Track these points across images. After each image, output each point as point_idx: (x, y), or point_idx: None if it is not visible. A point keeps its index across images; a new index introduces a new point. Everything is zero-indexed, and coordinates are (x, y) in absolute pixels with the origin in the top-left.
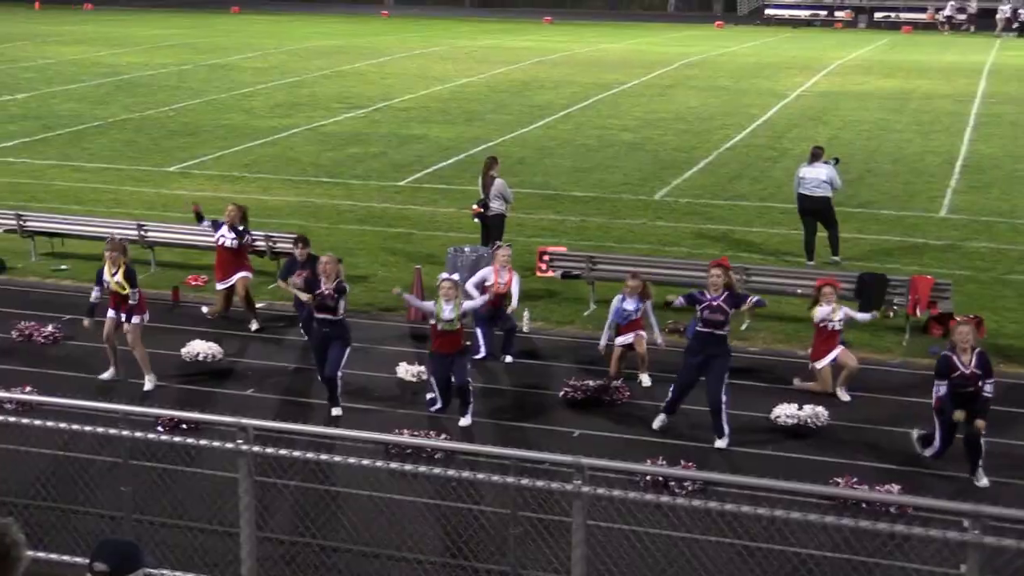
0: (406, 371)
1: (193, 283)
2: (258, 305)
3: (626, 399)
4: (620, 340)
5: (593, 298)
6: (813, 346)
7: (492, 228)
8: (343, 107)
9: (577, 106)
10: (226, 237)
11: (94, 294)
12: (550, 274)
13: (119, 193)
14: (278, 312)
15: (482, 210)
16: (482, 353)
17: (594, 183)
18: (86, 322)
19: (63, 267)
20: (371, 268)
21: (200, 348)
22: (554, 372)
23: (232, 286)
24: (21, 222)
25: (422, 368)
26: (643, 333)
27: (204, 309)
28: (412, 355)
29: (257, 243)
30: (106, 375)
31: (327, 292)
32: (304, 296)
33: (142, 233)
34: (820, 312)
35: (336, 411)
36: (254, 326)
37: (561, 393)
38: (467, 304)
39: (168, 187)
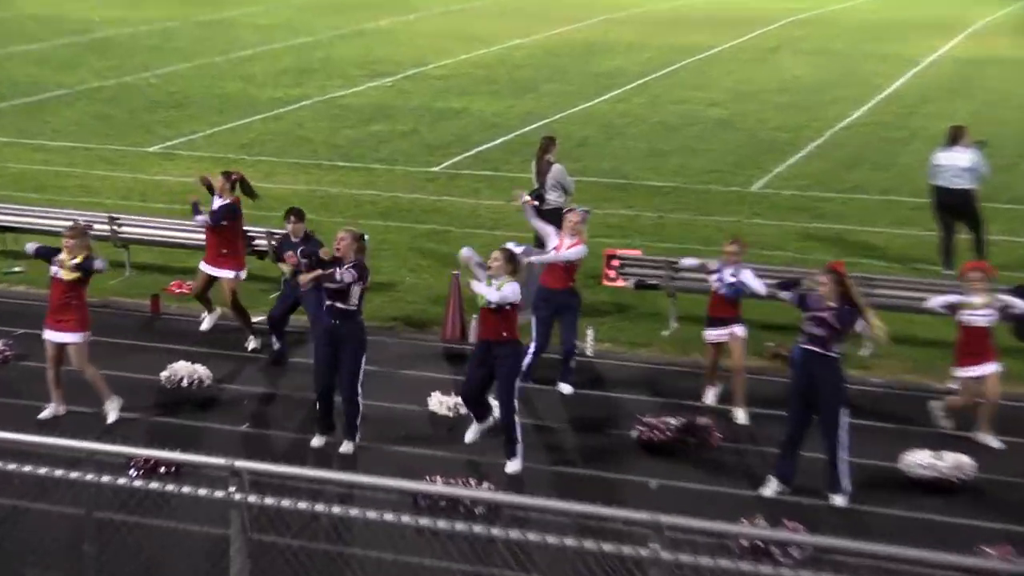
0: (440, 403)
1: (177, 291)
2: (256, 319)
3: (715, 441)
4: (711, 335)
5: (674, 314)
6: (957, 348)
7: (549, 222)
8: (364, 74)
9: (654, 74)
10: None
11: (30, 246)
12: (620, 284)
13: (88, 178)
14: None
15: (536, 203)
16: (530, 356)
17: (674, 170)
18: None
19: (16, 269)
20: (397, 274)
21: (183, 371)
22: (625, 406)
23: (213, 280)
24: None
25: (459, 400)
26: (741, 332)
27: (203, 327)
28: (447, 383)
29: (256, 242)
30: (46, 413)
31: (342, 270)
32: (305, 277)
33: (115, 228)
34: (950, 299)
35: (347, 447)
36: (251, 344)
37: (634, 433)
38: (511, 283)
39: (148, 171)
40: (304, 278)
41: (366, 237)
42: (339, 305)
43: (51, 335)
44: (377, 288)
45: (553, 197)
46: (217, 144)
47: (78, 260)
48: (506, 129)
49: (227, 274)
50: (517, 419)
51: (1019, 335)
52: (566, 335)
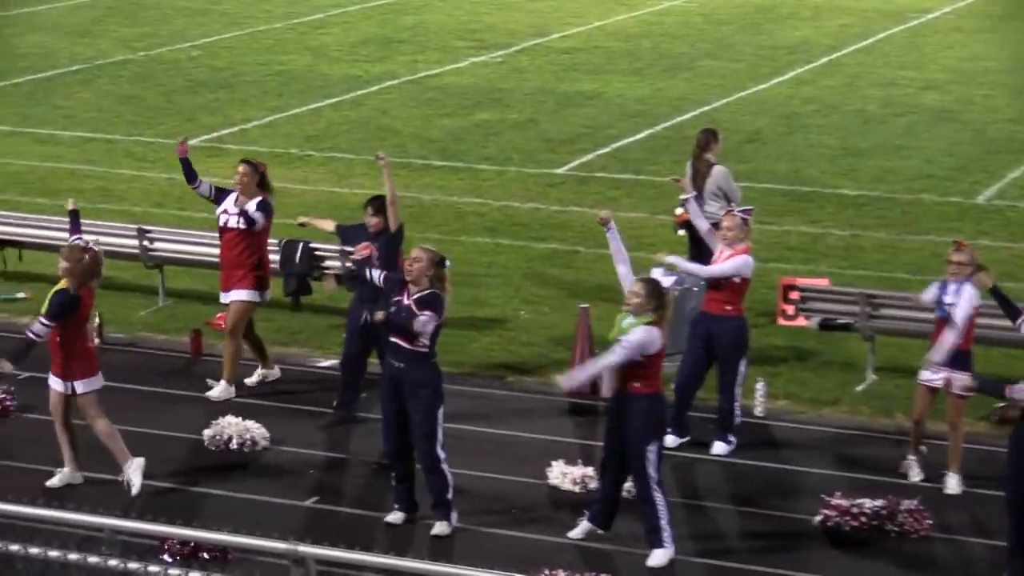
0: (563, 475)
1: (224, 325)
2: (326, 362)
3: (925, 530)
4: (924, 377)
5: (872, 364)
6: None
7: (705, 245)
8: (468, 47)
9: (849, 48)
10: (229, 214)
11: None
12: (802, 322)
13: (110, 179)
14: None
15: (689, 217)
16: (671, 438)
17: (875, 175)
18: (5, 365)
19: (20, 295)
20: (508, 307)
21: (232, 429)
22: (805, 482)
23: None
24: None
25: (589, 472)
26: (965, 379)
27: (251, 380)
28: (573, 449)
29: (326, 262)
30: (55, 480)
31: (405, 303)
32: (380, 316)
33: (145, 243)
34: None
35: (441, 528)
36: (254, 378)
37: (817, 518)
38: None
39: None
40: (379, 316)
41: (447, 263)
42: (405, 345)
43: (53, 381)
44: (483, 325)
45: (714, 208)
46: (276, 136)
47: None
48: (652, 119)
49: (235, 296)
50: (658, 496)
51: None
52: (725, 380)
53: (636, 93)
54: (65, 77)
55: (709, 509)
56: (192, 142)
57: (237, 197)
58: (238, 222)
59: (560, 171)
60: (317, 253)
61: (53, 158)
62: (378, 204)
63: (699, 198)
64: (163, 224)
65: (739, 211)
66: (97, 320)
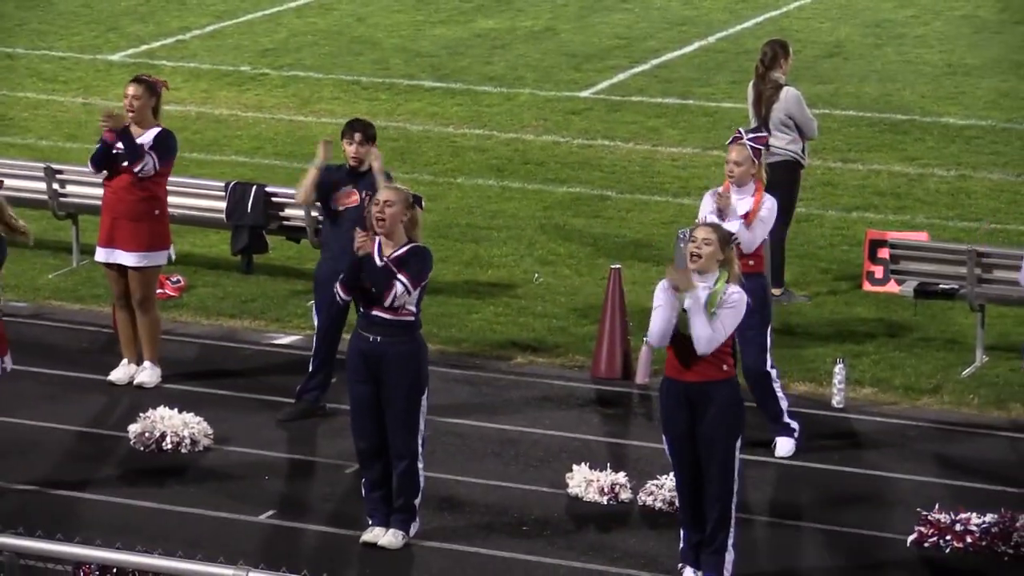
0: (586, 483)
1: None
2: (284, 339)
3: None
4: None
5: (982, 341)
6: None
7: (772, 186)
8: None
9: None
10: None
11: None
12: (893, 288)
13: (10, 104)
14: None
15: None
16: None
17: (989, 99)
18: None
19: None
20: (518, 268)
21: (166, 425)
22: (896, 491)
23: (121, 273)
24: None
25: (620, 479)
26: None
27: (114, 376)
28: (601, 449)
29: (285, 211)
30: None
31: (380, 264)
32: (359, 241)
33: (55, 187)
34: None
35: (391, 538)
36: (145, 376)
37: (912, 537)
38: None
39: (108, 94)
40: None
41: (423, 203)
42: (383, 317)
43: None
44: (486, 292)
45: (783, 143)
46: (223, 49)
47: None
48: (704, 27)
49: (152, 259)
50: (734, 509)
51: None
52: (751, 354)
53: None
54: None
55: (775, 525)
56: (115, 56)
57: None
58: (126, 161)
59: (585, 94)
60: (274, 200)
61: None
62: (364, 127)
63: (764, 128)
64: (78, 163)
65: (749, 137)
66: None
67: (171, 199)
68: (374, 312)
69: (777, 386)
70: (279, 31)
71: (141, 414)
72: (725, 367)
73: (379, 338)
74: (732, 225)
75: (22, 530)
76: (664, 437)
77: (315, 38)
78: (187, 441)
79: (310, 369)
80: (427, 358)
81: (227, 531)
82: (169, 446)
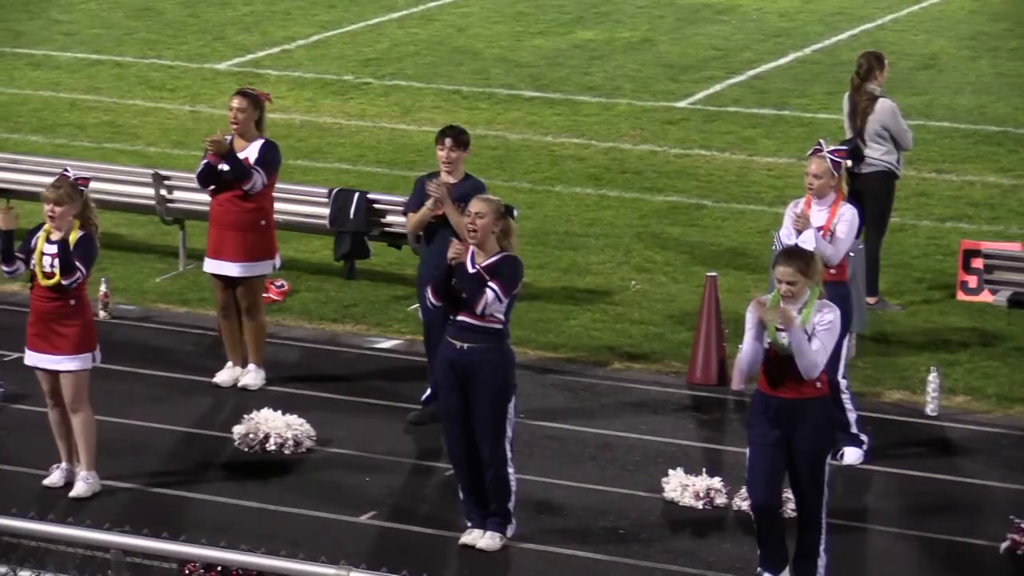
0: (682, 487)
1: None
2: (385, 343)
3: None
4: None
5: None
6: None
7: (867, 198)
8: None
9: None
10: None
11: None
12: (987, 297)
13: (120, 112)
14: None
15: (848, 161)
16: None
17: None
18: None
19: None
20: (615, 276)
21: (269, 426)
22: (990, 499)
23: (227, 283)
24: None
25: (715, 484)
26: None
27: (221, 377)
28: (696, 454)
29: (387, 217)
30: (53, 478)
31: (472, 271)
32: (454, 250)
33: (163, 193)
34: None
35: (489, 540)
36: (250, 378)
37: (1006, 544)
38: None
39: (216, 102)
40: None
41: (515, 213)
42: (470, 322)
43: (35, 359)
44: (583, 298)
45: (878, 154)
46: (326, 59)
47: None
48: (800, 39)
49: (257, 269)
50: (824, 518)
51: None
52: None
53: (779, 6)
54: None
55: (868, 532)
56: (222, 65)
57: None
58: (231, 175)
59: (682, 104)
60: (377, 206)
61: (50, 85)
62: (457, 133)
63: (855, 152)
64: (185, 169)
65: (830, 150)
66: (103, 287)
67: (276, 205)
68: (462, 318)
69: (847, 397)
70: (381, 41)
71: (245, 416)
72: (819, 384)
73: (467, 346)
74: (808, 241)
75: (129, 528)
76: (749, 448)
77: (417, 48)
78: (290, 442)
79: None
80: (514, 367)
81: (329, 531)
82: (273, 447)
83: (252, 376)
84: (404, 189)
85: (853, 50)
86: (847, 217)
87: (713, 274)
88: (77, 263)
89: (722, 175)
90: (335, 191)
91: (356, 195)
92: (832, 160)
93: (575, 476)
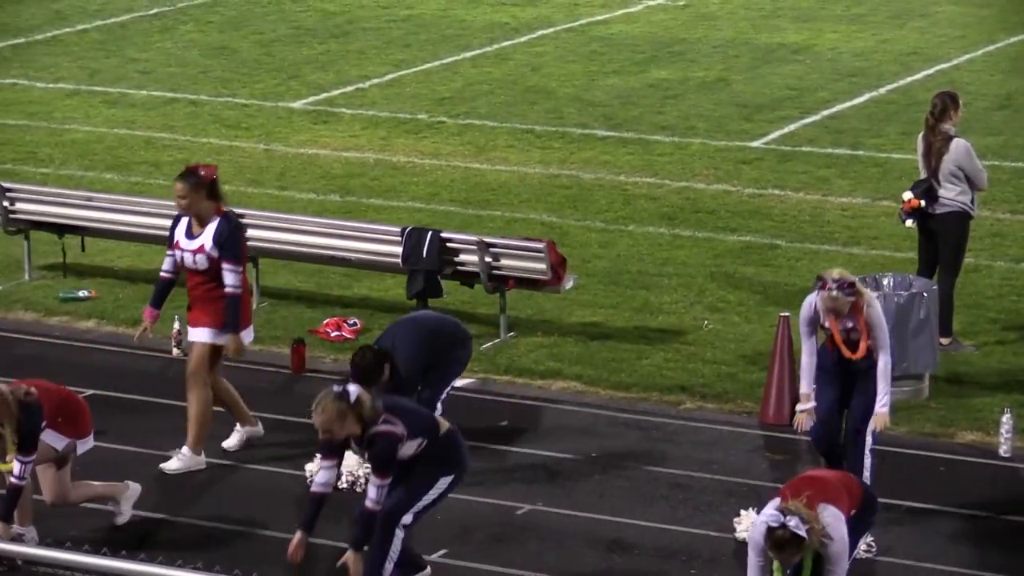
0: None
1: (333, 334)
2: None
3: None
4: None
5: None
6: None
7: (941, 238)
8: None
9: None
10: (184, 251)
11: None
12: None
13: (194, 150)
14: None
15: (920, 203)
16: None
17: None
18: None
19: (83, 293)
20: (688, 315)
21: (343, 464)
22: None
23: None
24: (5, 203)
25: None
26: None
27: (230, 442)
28: (768, 494)
29: (460, 256)
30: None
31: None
32: None
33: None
34: None
35: None
36: (233, 440)
37: None
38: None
39: (290, 140)
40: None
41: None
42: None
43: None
44: (656, 338)
45: (952, 195)
46: (401, 97)
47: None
48: (875, 79)
49: (201, 334)
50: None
51: None
52: (855, 405)
53: (854, 46)
54: (142, 23)
55: (941, 573)
56: (296, 104)
57: (189, 224)
58: (196, 262)
59: (756, 144)
60: (450, 245)
61: (125, 123)
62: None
63: (929, 192)
64: (258, 207)
65: (836, 285)
66: (176, 326)
67: (350, 243)
68: None
69: (867, 449)
70: (455, 80)
71: (317, 454)
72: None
73: None
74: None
75: (200, 565)
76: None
77: (490, 87)
78: (361, 480)
79: None
80: (459, 457)
81: None
82: (344, 485)
83: (181, 460)
84: (477, 227)
85: (928, 90)
86: (879, 317)
87: (786, 314)
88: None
89: (796, 215)
90: (408, 229)
91: (429, 234)
92: (847, 291)
93: (647, 516)
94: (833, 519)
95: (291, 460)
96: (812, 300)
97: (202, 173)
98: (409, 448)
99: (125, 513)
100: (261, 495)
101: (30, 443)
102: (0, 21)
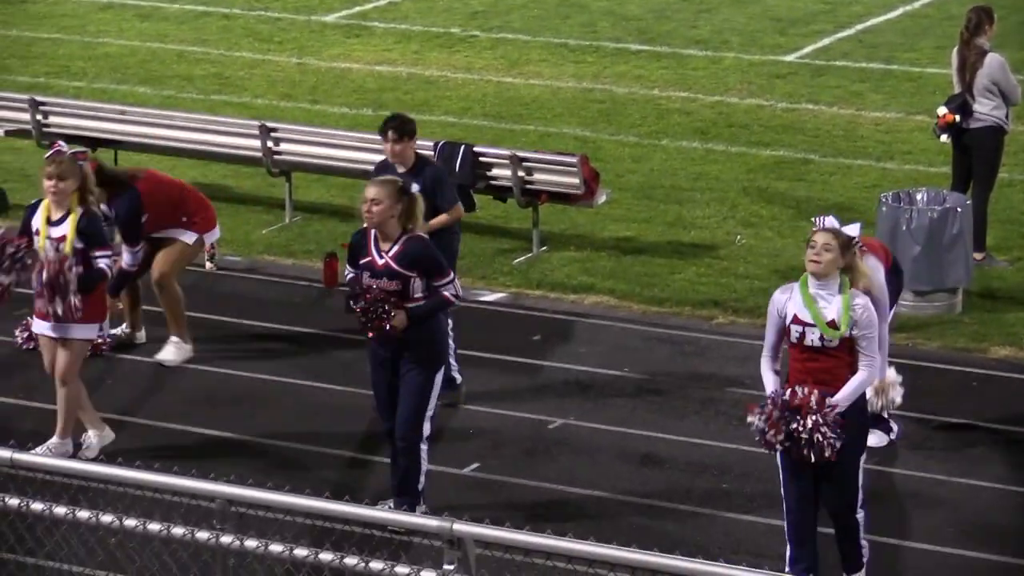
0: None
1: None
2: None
3: None
4: None
5: None
6: None
7: (975, 153)
8: None
9: None
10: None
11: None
12: None
13: (227, 64)
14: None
15: (955, 118)
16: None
17: None
18: None
19: None
20: (721, 230)
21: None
22: None
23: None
24: (39, 116)
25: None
26: None
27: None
28: None
29: (493, 171)
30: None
31: (386, 262)
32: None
33: (269, 144)
34: None
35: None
36: (168, 353)
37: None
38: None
39: (322, 55)
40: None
41: (414, 188)
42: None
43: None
44: (688, 252)
45: (986, 109)
46: (433, 11)
47: (68, 230)
48: None
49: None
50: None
51: None
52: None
53: None
54: None
55: (976, 488)
56: (329, 18)
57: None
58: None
59: (790, 58)
60: (483, 159)
61: (157, 37)
62: (399, 124)
63: (963, 107)
64: (291, 121)
65: (848, 228)
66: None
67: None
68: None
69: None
70: None
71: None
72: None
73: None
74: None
75: (233, 478)
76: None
77: (524, 1)
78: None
79: None
80: (445, 339)
81: (432, 483)
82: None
83: (172, 351)
84: (510, 142)
85: (962, 4)
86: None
87: None
88: (98, 255)
89: (830, 130)
90: (441, 143)
91: (462, 148)
92: (848, 236)
93: (679, 430)
94: (874, 264)
95: (324, 375)
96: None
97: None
98: (417, 288)
99: (93, 449)
100: (293, 409)
101: (132, 231)
102: None
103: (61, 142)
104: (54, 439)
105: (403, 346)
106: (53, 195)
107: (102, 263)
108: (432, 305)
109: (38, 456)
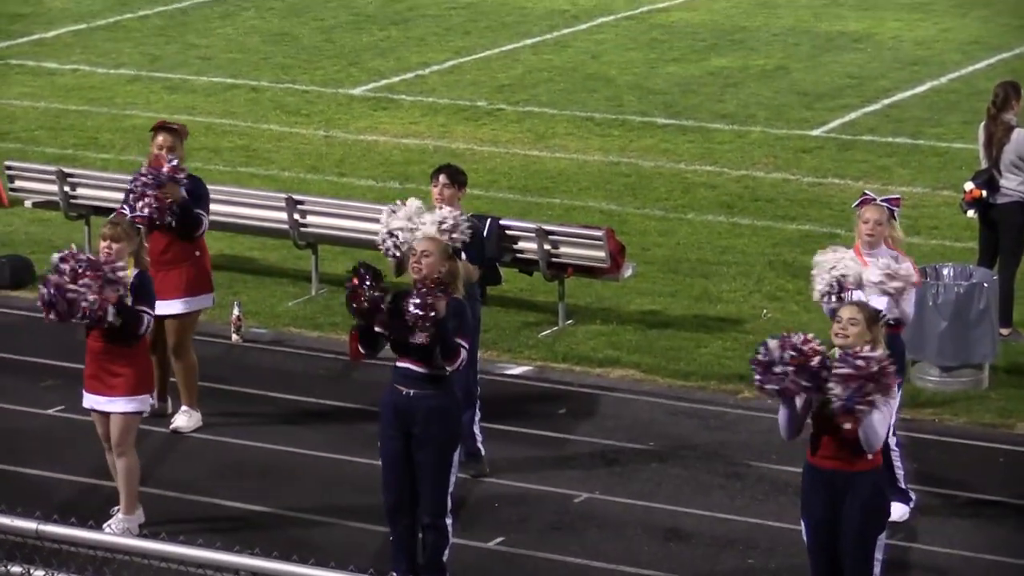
0: None
1: None
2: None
3: None
4: None
5: None
6: None
7: (1002, 228)
8: None
9: None
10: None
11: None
12: None
13: (255, 136)
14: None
15: (982, 193)
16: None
17: None
18: None
19: None
20: (747, 304)
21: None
22: None
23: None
24: (67, 188)
25: None
26: None
27: (178, 424)
28: None
29: (519, 243)
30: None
31: (414, 311)
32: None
33: (296, 217)
34: None
35: None
36: (181, 421)
37: None
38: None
39: (350, 127)
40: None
41: (463, 256)
42: (414, 369)
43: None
44: (714, 327)
45: (1013, 184)
46: (461, 84)
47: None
48: (937, 68)
49: (172, 306)
50: None
51: None
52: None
53: (916, 34)
54: (202, 9)
55: (1000, 565)
56: (356, 90)
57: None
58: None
59: (816, 133)
60: (508, 232)
61: (185, 109)
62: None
63: (990, 182)
64: (318, 194)
65: (884, 199)
66: (236, 311)
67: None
68: (406, 365)
69: (896, 454)
70: (515, 67)
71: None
72: (871, 456)
73: (410, 392)
74: (879, 302)
75: (258, 551)
76: (802, 521)
77: (550, 75)
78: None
79: None
80: (460, 414)
81: (458, 556)
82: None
83: (185, 419)
84: (536, 215)
85: (990, 79)
86: (907, 267)
87: None
88: (143, 309)
89: (831, 204)
90: (468, 216)
91: (488, 221)
92: (889, 208)
93: (704, 505)
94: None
95: (349, 448)
96: None
97: None
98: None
99: (117, 527)
100: (318, 482)
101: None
102: (62, 6)
103: (126, 207)
104: (119, 515)
105: (419, 419)
106: (106, 255)
107: (145, 318)
108: (451, 344)
109: (63, 527)
